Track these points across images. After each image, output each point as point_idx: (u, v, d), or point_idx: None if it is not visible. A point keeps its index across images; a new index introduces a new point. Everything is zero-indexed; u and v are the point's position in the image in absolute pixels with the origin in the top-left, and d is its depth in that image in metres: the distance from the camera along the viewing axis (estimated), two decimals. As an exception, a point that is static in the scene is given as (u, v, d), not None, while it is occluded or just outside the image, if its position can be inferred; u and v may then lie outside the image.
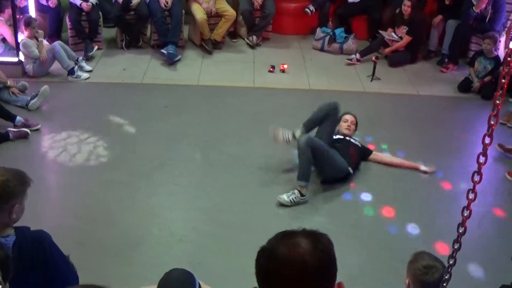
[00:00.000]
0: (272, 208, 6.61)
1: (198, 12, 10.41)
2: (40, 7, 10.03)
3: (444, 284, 2.62)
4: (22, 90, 8.62)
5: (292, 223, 6.00)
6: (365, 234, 6.33)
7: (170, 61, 10.03)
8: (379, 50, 10.83)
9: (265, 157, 7.51)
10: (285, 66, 10.14)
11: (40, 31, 9.18)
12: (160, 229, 6.20)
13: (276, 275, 1.92)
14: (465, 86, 9.73)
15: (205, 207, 6.64)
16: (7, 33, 9.32)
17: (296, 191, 6.65)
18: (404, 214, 6.64)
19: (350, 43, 10.97)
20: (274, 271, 1.93)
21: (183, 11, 10.55)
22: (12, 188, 3.35)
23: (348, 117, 7.56)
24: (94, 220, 6.30)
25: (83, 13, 10.05)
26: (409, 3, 10.24)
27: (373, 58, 10.10)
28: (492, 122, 2.35)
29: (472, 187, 2.47)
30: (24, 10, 9.54)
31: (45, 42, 9.29)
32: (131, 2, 10.22)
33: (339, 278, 2.00)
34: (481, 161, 2.42)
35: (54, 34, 10.24)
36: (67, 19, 10.16)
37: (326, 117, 7.19)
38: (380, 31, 10.82)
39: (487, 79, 9.54)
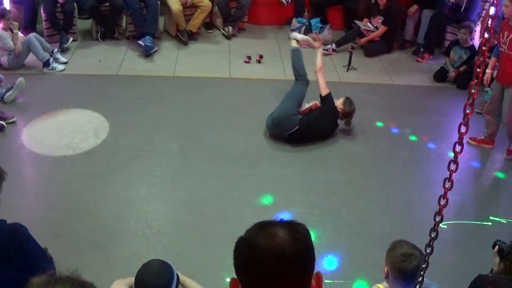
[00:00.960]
0: (249, 198, 6.62)
1: (174, 3, 10.35)
2: (14, -1, 9.94)
3: (422, 273, 2.63)
4: (-3, 83, 8.55)
5: (270, 214, 6.06)
6: (341, 223, 6.36)
7: (147, 53, 9.97)
8: (355, 40, 10.85)
9: (241, 148, 7.52)
10: (261, 56, 10.13)
11: (15, 23, 9.07)
12: (137, 221, 6.19)
13: (255, 265, 1.92)
14: (440, 76, 9.79)
15: (182, 198, 6.63)
16: (-19, 25, 9.24)
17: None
18: (380, 202, 6.70)
19: (326, 33, 10.97)
20: (253, 261, 1.93)
21: (159, 2, 10.49)
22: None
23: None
24: (69, 211, 6.28)
25: (58, 5, 9.95)
26: (384, -7, 10.29)
27: (349, 48, 10.09)
28: (468, 111, 2.35)
29: (448, 176, 2.48)
30: (-2, 1, 9.45)
31: (20, 34, 9.19)
32: (106, -7, 10.16)
33: (316, 268, 2.00)
34: (457, 150, 2.42)
35: (29, 25, 10.14)
36: (42, 11, 10.05)
37: None
38: (356, 21, 10.84)
39: (462, 68, 9.60)
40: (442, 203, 2.51)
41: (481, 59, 2.37)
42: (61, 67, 9.34)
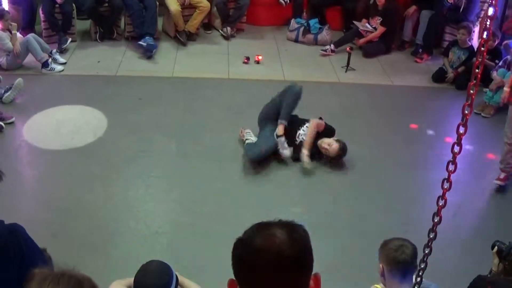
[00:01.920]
0: (248, 199, 6.63)
1: (172, 3, 10.35)
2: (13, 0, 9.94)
3: (420, 273, 2.63)
4: (-5, 83, 8.54)
5: (268, 214, 6.05)
6: (339, 224, 6.36)
7: (149, 53, 9.95)
8: (353, 41, 10.84)
9: (239, 148, 7.50)
10: (260, 57, 10.13)
11: (14, 24, 9.07)
12: (136, 221, 6.19)
13: (253, 266, 1.92)
14: (439, 76, 9.78)
15: (180, 198, 6.63)
16: (-21, 26, 9.23)
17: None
18: (379, 203, 6.70)
19: (325, 34, 10.97)
20: (251, 262, 1.93)
21: (157, 3, 10.48)
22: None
23: (334, 145, 7.32)
24: (68, 212, 6.27)
25: (57, 5, 9.93)
26: (383, -6, 10.29)
27: (348, 48, 10.10)
28: (466, 112, 2.36)
29: (447, 177, 2.49)
30: (-3, 2, 9.44)
31: (18, 34, 9.18)
32: (105, -6, 10.16)
33: (315, 269, 2.00)
34: (455, 151, 2.43)
35: (28, 26, 10.12)
36: (41, 11, 10.03)
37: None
38: (354, 22, 10.84)
39: (461, 69, 9.60)
40: (440, 204, 2.51)
41: (480, 59, 2.37)
42: (59, 67, 9.33)
